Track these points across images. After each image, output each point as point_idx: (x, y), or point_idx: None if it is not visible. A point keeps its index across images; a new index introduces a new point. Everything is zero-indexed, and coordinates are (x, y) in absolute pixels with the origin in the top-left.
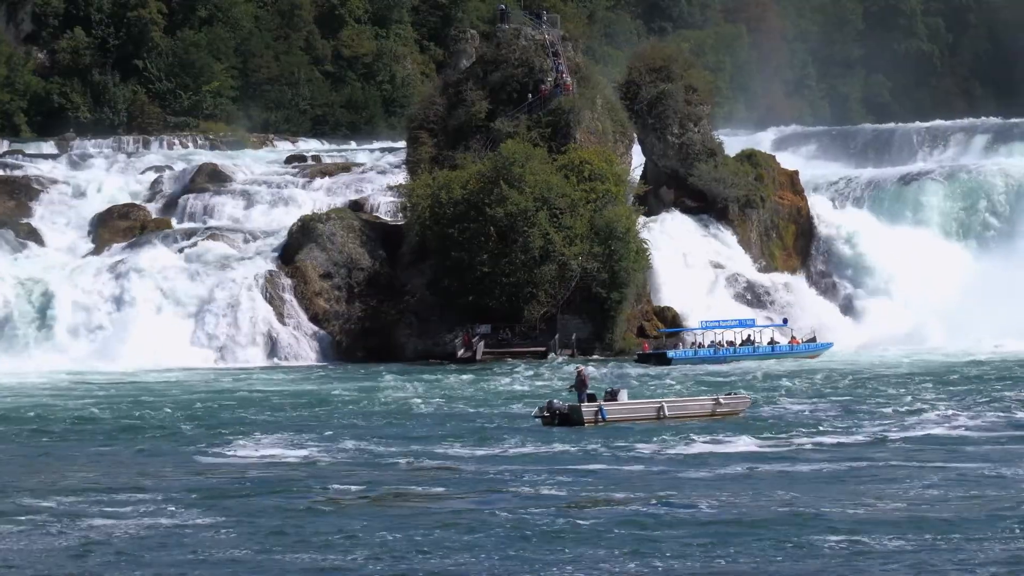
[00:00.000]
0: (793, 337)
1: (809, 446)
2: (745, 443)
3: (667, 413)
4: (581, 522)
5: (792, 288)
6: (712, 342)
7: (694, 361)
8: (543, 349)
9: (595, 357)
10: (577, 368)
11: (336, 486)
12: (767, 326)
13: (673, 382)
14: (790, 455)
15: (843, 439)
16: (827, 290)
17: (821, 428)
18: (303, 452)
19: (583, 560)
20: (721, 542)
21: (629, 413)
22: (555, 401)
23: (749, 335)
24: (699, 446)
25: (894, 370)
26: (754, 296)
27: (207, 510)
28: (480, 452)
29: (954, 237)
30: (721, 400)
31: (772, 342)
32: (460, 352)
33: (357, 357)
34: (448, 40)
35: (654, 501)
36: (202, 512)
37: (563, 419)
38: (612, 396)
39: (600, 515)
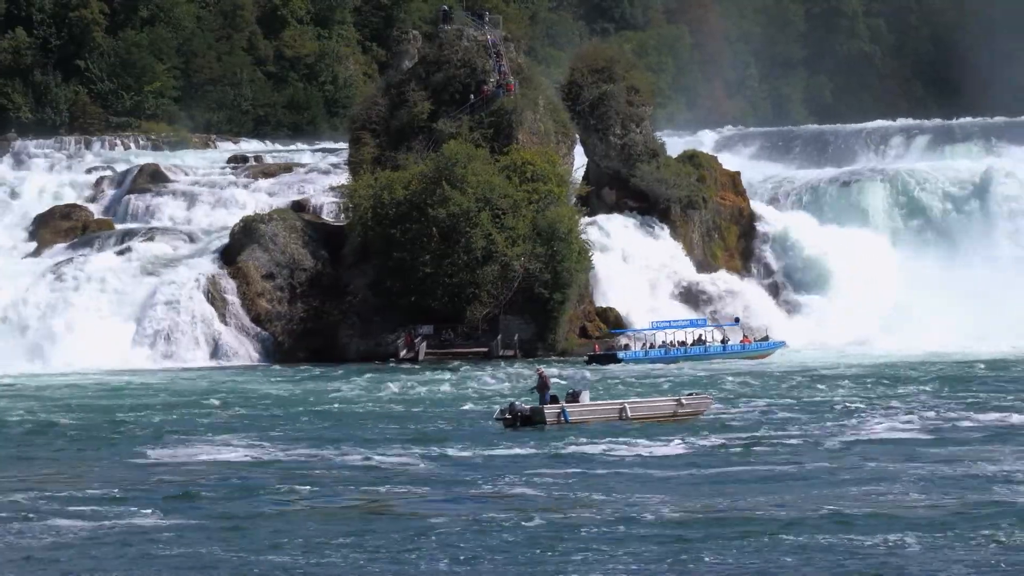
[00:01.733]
0: (745, 336)
1: (759, 446)
2: (698, 443)
3: (629, 414)
4: (547, 525)
5: (734, 288)
6: (663, 342)
7: (644, 361)
8: (485, 350)
9: (538, 357)
10: (538, 369)
11: (289, 487)
12: (719, 326)
13: (617, 381)
14: (735, 456)
15: (792, 440)
16: (769, 290)
17: (773, 428)
18: (252, 453)
19: (544, 563)
20: (682, 542)
21: (591, 414)
22: (517, 403)
23: (700, 335)
24: (645, 447)
25: (844, 370)
26: (696, 297)
27: (154, 511)
28: (438, 452)
29: (895, 238)
30: (683, 401)
31: (724, 341)
32: (402, 353)
33: (299, 358)
34: (390, 41)
35: (615, 505)
36: (151, 513)
37: (525, 421)
38: (574, 397)
39: (564, 517)
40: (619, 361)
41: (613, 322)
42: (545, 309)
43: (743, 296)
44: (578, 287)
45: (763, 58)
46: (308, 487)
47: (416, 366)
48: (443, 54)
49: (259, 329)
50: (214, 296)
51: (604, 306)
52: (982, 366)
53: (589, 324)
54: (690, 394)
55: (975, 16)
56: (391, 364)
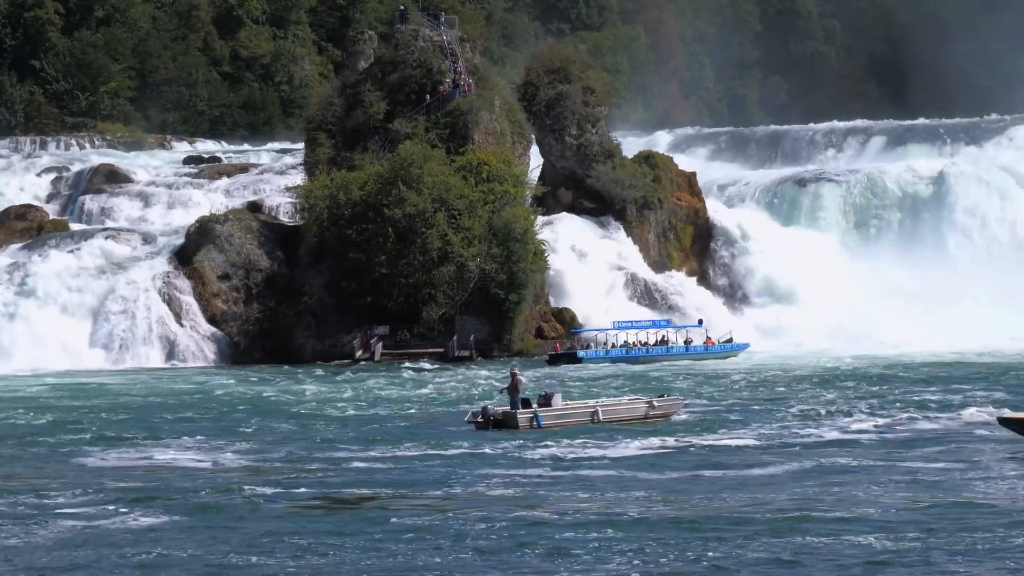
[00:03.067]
0: (709, 338)
1: (725, 447)
2: (667, 444)
3: (601, 417)
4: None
5: (689, 289)
6: (625, 342)
7: (606, 361)
8: (441, 350)
9: (494, 358)
10: (511, 370)
11: (257, 489)
12: (682, 327)
13: (580, 382)
14: (700, 457)
15: (756, 441)
16: (724, 291)
17: (738, 429)
18: (213, 455)
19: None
20: (654, 542)
21: (564, 418)
22: (489, 406)
23: (663, 335)
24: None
25: (807, 372)
26: (651, 297)
27: (119, 513)
28: (406, 453)
29: (851, 238)
30: (655, 403)
31: (688, 342)
32: (358, 353)
33: (255, 359)
34: (346, 41)
35: (586, 505)
36: (115, 514)
37: (498, 424)
38: (546, 399)
39: (535, 518)
40: (579, 361)
41: (569, 322)
42: (501, 310)
43: (698, 297)
44: (534, 287)
45: (719, 59)
46: (273, 488)
47: (382, 368)
48: (399, 54)
49: (215, 330)
50: (170, 297)
51: (560, 307)
52: (930, 365)
53: (545, 325)
54: (661, 396)
55: (930, 17)
56: (339, 362)
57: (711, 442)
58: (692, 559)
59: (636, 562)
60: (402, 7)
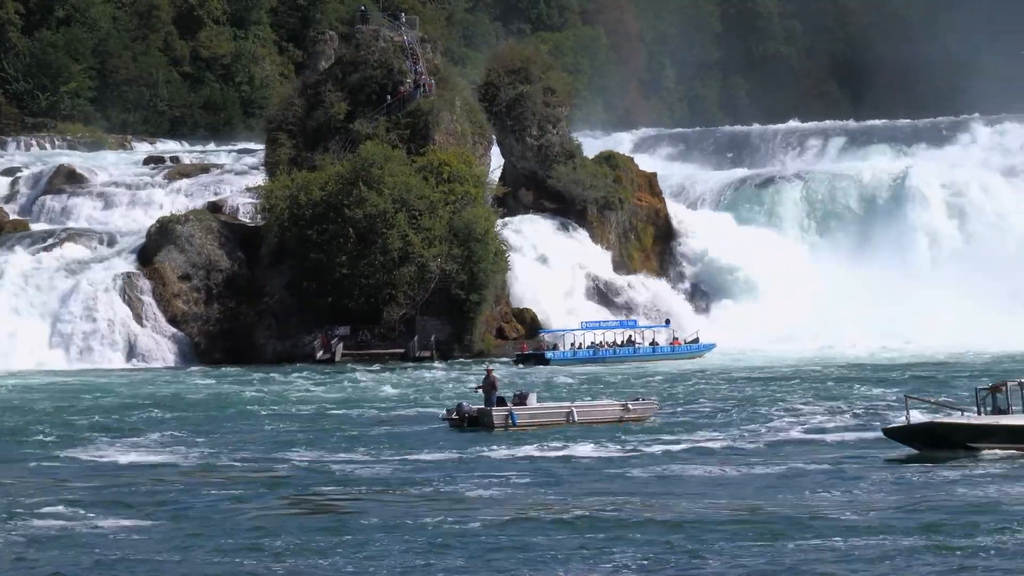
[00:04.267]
0: (676, 338)
1: (694, 448)
2: (639, 445)
3: (576, 418)
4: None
5: (650, 289)
6: (592, 343)
7: (573, 362)
8: (402, 351)
9: (455, 358)
10: (487, 369)
11: (231, 491)
12: (649, 327)
13: (545, 382)
14: (670, 457)
15: (725, 441)
16: (685, 291)
17: (708, 430)
18: (179, 456)
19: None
20: (621, 542)
21: (539, 418)
22: (464, 404)
23: (630, 336)
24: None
25: (773, 372)
26: (612, 297)
27: (85, 516)
28: (382, 454)
29: (811, 239)
30: (630, 405)
31: (654, 343)
32: (319, 354)
33: (215, 359)
34: (307, 41)
35: (558, 505)
36: (85, 516)
37: (472, 422)
38: (521, 399)
39: (508, 518)
40: (547, 362)
41: (530, 323)
42: (462, 310)
43: (659, 297)
44: (495, 288)
45: (679, 59)
46: (246, 490)
47: (348, 368)
48: (359, 55)
49: (175, 330)
50: (130, 297)
51: (521, 307)
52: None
53: (506, 325)
54: (636, 399)
55: (891, 17)
56: (300, 363)
57: (683, 446)
58: (655, 557)
59: (608, 561)
60: (363, 7)
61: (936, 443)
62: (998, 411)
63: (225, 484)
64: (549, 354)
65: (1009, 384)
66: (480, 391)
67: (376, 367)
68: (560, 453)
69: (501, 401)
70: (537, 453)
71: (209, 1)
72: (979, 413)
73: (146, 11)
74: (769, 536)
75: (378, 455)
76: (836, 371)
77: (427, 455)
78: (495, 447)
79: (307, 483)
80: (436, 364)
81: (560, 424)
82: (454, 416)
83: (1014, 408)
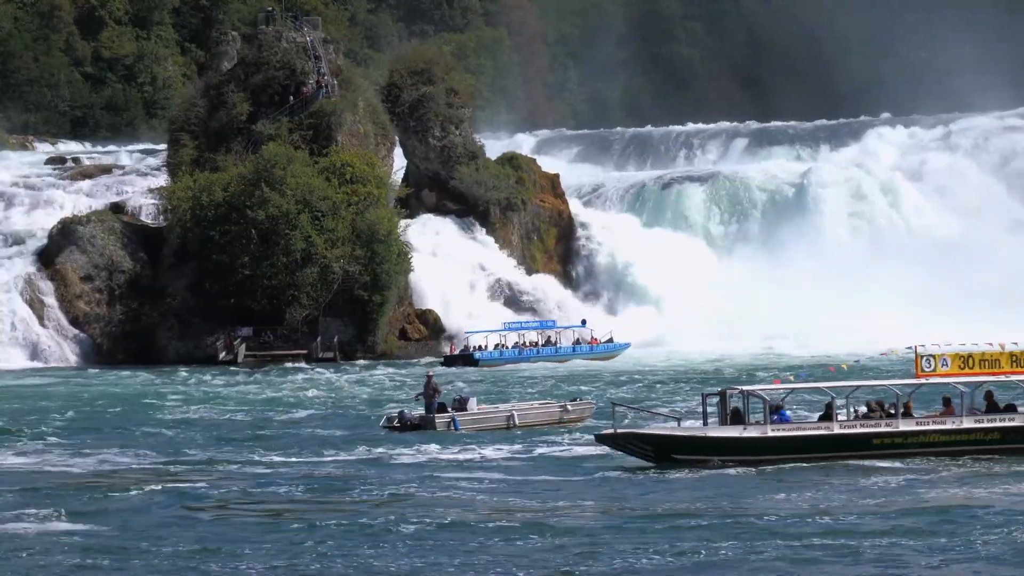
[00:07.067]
0: (593, 338)
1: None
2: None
3: (517, 421)
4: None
5: (553, 290)
6: (515, 343)
7: (500, 362)
8: (305, 352)
9: (358, 359)
10: (428, 374)
11: (159, 496)
12: (567, 327)
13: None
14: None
15: None
16: (588, 292)
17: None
18: (95, 459)
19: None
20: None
21: (480, 422)
22: (406, 410)
23: (549, 336)
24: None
25: (685, 372)
26: (516, 299)
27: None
28: (317, 458)
29: (715, 240)
30: (568, 407)
31: (577, 342)
32: (222, 355)
33: (118, 360)
34: (209, 42)
35: (491, 506)
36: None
37: (414, 428)
38: (462, 404)
39: (444, 521)
40: (476, 363)
41: (432, 324)
42: (365, 311)
43: (561, 298)
44: (398, 289)
45: (582, 61)
46: (171, 494)
47: (275, 371)
48: (262, 55)
49: (78, 331)
50: (32, 298)
51: (424, 308)
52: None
53: (409, 326)
54: (575, 400)
55: (792, 21)
56: (202, 365)
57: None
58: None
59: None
60: (269, 8)
61: (639, 452)
62: (727, 419)
63: (157, 486)
64: (478, 355)
65: (729, 391)
66: (419, 397)
67: (303, 365)
68: (493, 455)
69: (442, 407)
70: (466, 456)
71: (111, 1)
72: (704, 422)
73: (47, 11)
74: None
75: (318, 459)
76: (704, 371)
77: (367, 459)
78: (429, 449)
79: (242, 487)
80: (338, 365)
81: (501, 427)
82: (395, 424)
83: (734, 417)
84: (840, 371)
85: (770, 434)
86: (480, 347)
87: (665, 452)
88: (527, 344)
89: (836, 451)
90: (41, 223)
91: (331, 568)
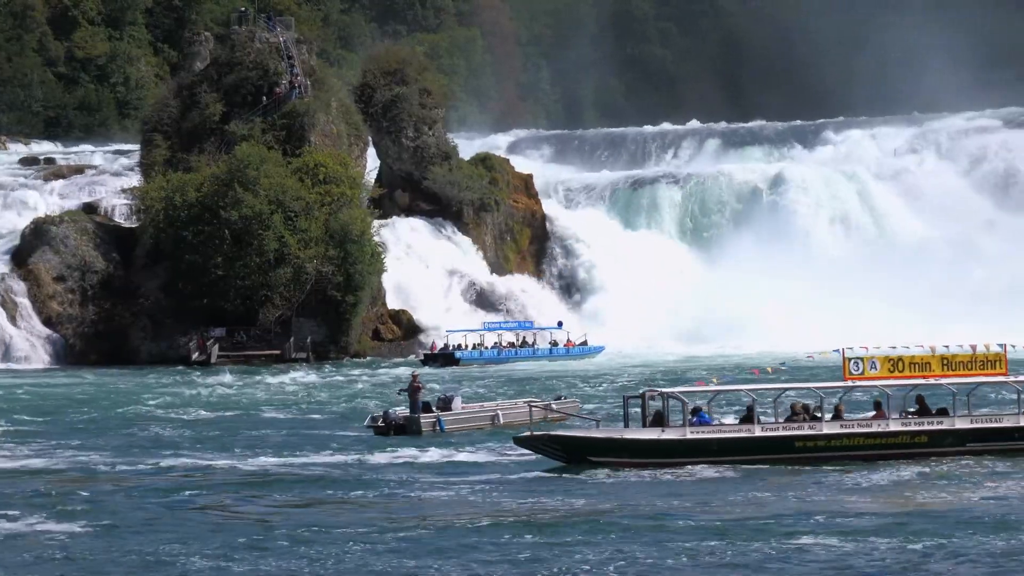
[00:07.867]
0: (569, 340)
1: None
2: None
3: (501, 421)
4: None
5: (526, 290)
6: (495, 343)
7: (481, 362)
8: (278, 352)
9: (331, 359)
10: (412, 373)
11: (148, 497)
12: (544, 328)
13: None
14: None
15: None
16: (561, 292)
17: None
18: (79, 460)
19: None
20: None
21: (465, 422)
22: (391, 411)
23: (526, 337)
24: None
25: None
26: (489, 299)
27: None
28: (298, 459)
29: (687, 239)
30: (553, 406)
31: (554, 344)
32: (195, 355)
33: (91, 360)
34: (182, 42)
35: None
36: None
37: (399, 429)
38: (446, 403)
39: (424, 522)
40: (457, 362)
41: (406, 324)
42: (338, 311)
43: (535, 298)
44: (371, 289)
45: (555, 61)
46: (161, 496)
47: (287, 370)
48: (235, 56)
49: (50, 332)
50: (4, 298)
51: (397, 308)
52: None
53: (382, 327)
54: (559, 399)
55: (766, 20)
56: (174, 365)
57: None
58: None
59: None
60: (242, 8)
61: (553, 454)
62: (649, 421)
63: (145, 488)
64: (459, 354)
65: (649, 393)
66: (403, 393)
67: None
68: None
69: (427, 407)
70: (451, 456)
71: (84, 1)
72: (625, 424)
73: (20, 11)
74: None
75: (304, 460)
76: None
77: (353, 460)
78: (409, 450)
79: (208, 487)
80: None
81: (486, 427)
82: (380, 423)
83: (656, 420)
84: (765, 373)
85: (688, 436)
86: (459, 346)
87: (578, 454)
88: (505, 345)
89: (757, 454)
90: (14, 223)
91: (318, 569)
